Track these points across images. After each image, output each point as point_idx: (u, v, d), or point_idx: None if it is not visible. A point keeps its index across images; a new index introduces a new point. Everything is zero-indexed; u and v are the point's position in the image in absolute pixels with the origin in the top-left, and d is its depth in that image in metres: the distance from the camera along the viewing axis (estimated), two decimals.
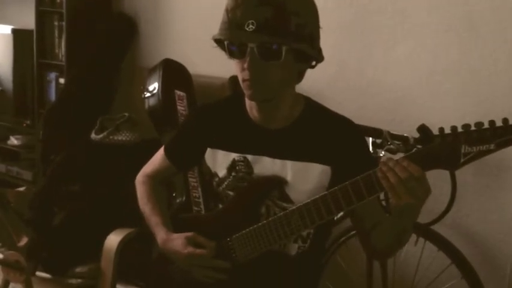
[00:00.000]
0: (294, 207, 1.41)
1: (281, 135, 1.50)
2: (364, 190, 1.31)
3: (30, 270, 2.43)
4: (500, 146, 1.21)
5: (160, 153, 1.73)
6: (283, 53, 1.36)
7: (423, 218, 2.00)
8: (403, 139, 2.08)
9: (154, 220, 1.64)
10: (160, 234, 1.60)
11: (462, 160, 1.23)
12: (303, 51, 1.39)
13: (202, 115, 1.64)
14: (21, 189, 3.09)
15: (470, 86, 2.30)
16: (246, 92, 1.45)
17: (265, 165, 1.50)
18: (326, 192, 1.37)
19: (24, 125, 3.60)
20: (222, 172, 1.56)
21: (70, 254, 2.59)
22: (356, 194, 1.32)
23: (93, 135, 2.93)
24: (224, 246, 1.52)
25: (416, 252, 2.30)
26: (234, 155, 1.53)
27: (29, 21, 3.50)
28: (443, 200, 2.17)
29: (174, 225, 1.64)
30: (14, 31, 3.57)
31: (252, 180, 1.52)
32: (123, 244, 2.39)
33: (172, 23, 3.27)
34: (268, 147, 1.50)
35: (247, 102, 1.53)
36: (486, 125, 1.21)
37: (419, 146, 1.33)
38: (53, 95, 3.51)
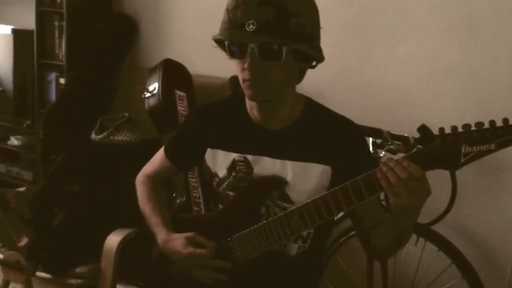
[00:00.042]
0: (294, 207, 1.41)
1: (281, 136, 1.50)
2: (364, 190, 1.31)
3: (30, 270, 2.43)
4: (501, 146, 1.21)
5: (160, 153, 1.72)
6: (284, 53, 1.36)
7: (423, 218, 2.00)
8: (404, 139, 2.08)
9: (154, 220, 1.64)
10: (161, 234, 1.60)
11: (462, 160, 1.23)
12: (304, 52, 1.39)
13: (202, 115, 1.64)
14: (22, 189, 3.09)
15: (471, 86, 2.30)
16: (247, 92, 1.44)
17: (266, 166, 1.50)
18: (326, 192, 1.37)
19: (25, 125, 3.59)
20: (222, 172, 1.56)
21: (70, 254, 2.59)
22: (356, 194, 1.32)
23: (93, 136, 2.92)
24: (224, 246, 1.52)
25: (417, 252, 2.30)
26: (234, 155, 1.53)
27: (29, 21, 3.49)
28: (444, 200, 2.17)
29: (175, 225, 1.63)
30: (14, 31, 3.57)
31: (252, 181, 1.52)
32: (123, 244, 2.39)
33: (173, 23, 3.27)
34: (268, 148, 1.50)
35: (248, 102, 1.53)
36: (486, 125, 1.21)
37: (419, 146, 1.32)
38: (53, 95, 3.51)
